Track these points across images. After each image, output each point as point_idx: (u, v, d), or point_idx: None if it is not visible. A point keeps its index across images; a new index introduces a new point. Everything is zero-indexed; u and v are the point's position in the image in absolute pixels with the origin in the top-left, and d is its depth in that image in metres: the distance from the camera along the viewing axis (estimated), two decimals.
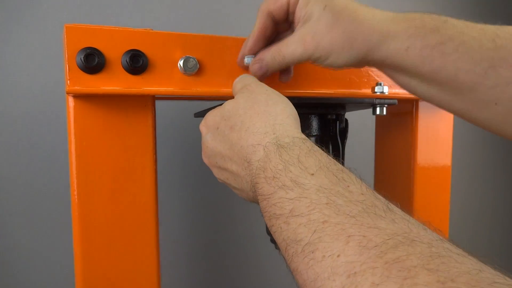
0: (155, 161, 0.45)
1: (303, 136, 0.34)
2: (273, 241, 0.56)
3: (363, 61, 0.39)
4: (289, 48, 0.40)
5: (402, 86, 0.42)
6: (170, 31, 0.42)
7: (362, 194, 0.26)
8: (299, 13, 0.40)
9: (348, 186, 0.26)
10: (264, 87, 0.39)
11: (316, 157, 0.29)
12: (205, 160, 0.41)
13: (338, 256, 0.22)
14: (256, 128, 0.34)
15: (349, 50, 0.38)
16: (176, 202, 0.86)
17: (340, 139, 0.57)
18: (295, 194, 0.27)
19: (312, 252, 0.23)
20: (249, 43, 0.44)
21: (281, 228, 0.27)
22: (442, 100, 0.39)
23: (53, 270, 0.76)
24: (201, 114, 0.56)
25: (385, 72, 0.42)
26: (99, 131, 0.42)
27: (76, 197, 0.42)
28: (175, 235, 0.87)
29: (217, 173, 0.40)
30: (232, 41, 0.45)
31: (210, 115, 0.40)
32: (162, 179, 0.69)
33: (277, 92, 0.39)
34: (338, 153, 0.57)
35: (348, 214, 0.24)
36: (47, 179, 0.75)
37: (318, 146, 0.32)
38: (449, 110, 0.41)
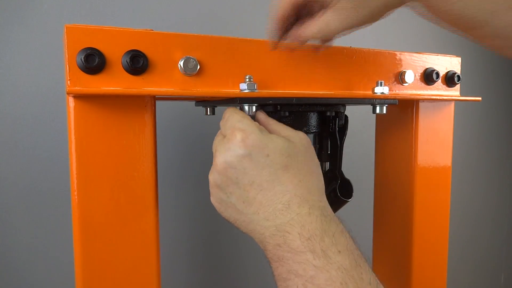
0: (155, 161, 0.45)
1: (335, 215, 0.37)
2: None
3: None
4: (325, 20, 0.39)
5: (447, 20, 0.40)
6: (170, 31, 0.42)
7: (370, 284, 0.31)
8: None
9: (362, 274, 0.31)
10: (312, 150, 0.41)
11: (346, 238, 0.34)
12: (220, 169, 0.40)
13: None
14: (311, 185, 0.37)
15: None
16: (176, 202, 0.86)
17: (339, 136, 0.57)
18: (321, 263, 0.31)
19: None
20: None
21: (297, 286, 0.32)
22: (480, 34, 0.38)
23: (53, 270, 0.76)
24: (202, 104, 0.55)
25: (424, 15, 0.41)
26: (99, 132, 0.42)
27: (76, 197, 0.42)
28: (175, 235, 0.87)
29: (224, 187, 0.40)
30: (233, 41, 0.45)
31: (262, 137, 0.37)
32: (162, 179, 0.69)
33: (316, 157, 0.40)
34: (336, 150, 0.57)
35: None
36: (47, 179, 0.75)
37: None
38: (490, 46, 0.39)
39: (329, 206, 0.38)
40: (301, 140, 0.40)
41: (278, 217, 0.35)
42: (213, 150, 0.41)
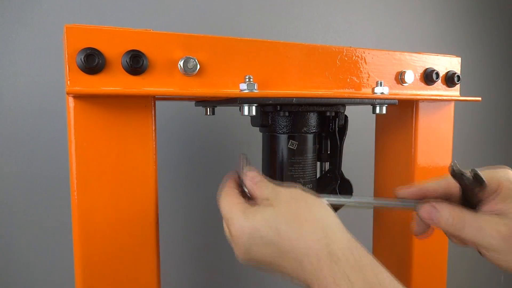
0: (155, 161, 0.45)
1: (348, 238, 0.36)
2: None
3: None
4: (475, 224, 0.40)
5: None
6: (170, 31, 0.42)
7: None
8: (492, 204, 0.41)
9: None
10: (301, 195, 0.40)
11: (363, 273, 0.33)
12: (244, 260, 0.41)
13: None
14: (310, 235, 0.36)
15: None
16: (176, 202, 0.86)
17: (339, 136, 0.57)
18: None
19: None
20: (433, 185, 0.45)
21: None
22: None
23: (53, 270, 0.76)
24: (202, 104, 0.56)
25: None
26: (99, 132, 0.42)
27: (76, 197, 0.42)
28: (175, 235, 0.87)
29: (259, 269, 0.41)
30: (232, 41, 0.45)
31: (248, 222, 0.38)
32: (162, 179, 0.69)
33: (314, 198, 0.40)
34: (336, 150, 0.57)
35: None
36: (47, 179, 0.74)
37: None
38: None
39: (338, 236, 0.36)
40: (284, 197, 0.39)
41: (304, 278, 0.36)
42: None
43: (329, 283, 0.33)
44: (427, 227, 0.47)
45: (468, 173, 0.40)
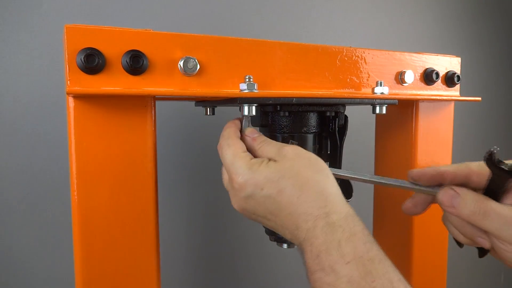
0: (155, 161, 0.45)
1: (347, 210, 0.37)
2: (269, 233, 0.57)
3: None
4: (501, 212, 0.37)
5: None
6: (170, 31, 0.42)
7: None
8: None
9: (373, 281, 0.31)
10: (304, 153, 0.40)
11: (354, 243, 0.33)
12: (239, 209, 0.41)
13: None
14: (310, 196, 0.36)
15: None
16: (176, 202, 0.86)
17: (339, 136, 0.57)
18: (331, 280, 0.32)
19: None
20: (452, 168, 0.42)
21: None
22: None
23: (53, 270, 0.76)
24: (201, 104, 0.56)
25: None
26: (99, 132, 0.42)
27: (76, 197, 0.42)
28: (175, 235, 0.87)
29: (252, 218, 0.42)
30: (232, 41, 0.45)
31: (252, 174, 0.38)
32: (162, 179, 0.69)
33: (316, 157, 0.40)
34: (336, 150, 0.57)
35: None
36: (47, 179, 0.75)
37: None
38: None
39: (336, 204, 0.37)
40: (290, 154, 0.39)
41: (296, 237, 0.37)
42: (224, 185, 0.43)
43: (321, 251, 0.34)
44: (423, 209, 0.45)
45: (506, 162, 0.38)
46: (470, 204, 0.38)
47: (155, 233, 0.46)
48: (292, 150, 0.40)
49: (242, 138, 0.45)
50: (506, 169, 0.37)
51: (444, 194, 0.40)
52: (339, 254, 0.33)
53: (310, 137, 0.55)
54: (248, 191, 0.38)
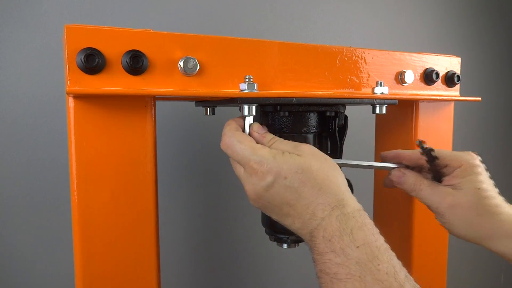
0: (155, 161, 0.45)
1: (359, 205, 0.41)
2: (269, 233, 0.57)
3: (478, 240, 0.48)
4: (430, 191, 0.50)
5: None
6: (170, 31, 0.42)
7: (387, 274, 0.35)
8: (452, 178, 0.49)
9: (379, 265, 0.35)
10: (319, 151, 0.44)
11: (365, 232, 0.38)
12: (255, 198, 0.43)
13: None
14: (329, 190, 0.40)
15: (474, 232, 0.47)
16: (176, 202, 0.86)
17: (339, 136, 0.57)
18: (341, 261, 0.36)
19: None
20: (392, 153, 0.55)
21: (327, 283, 0.37)
22: None
23: (53, 270, 0.76)
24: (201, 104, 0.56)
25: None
26: (99, 132, 0.42)
27: (76, 197, 0.42)
28: (175, 235, 0.87)
29: (263, 208, 0.44)
30: (232, 41, 0.45)
31: (276, 163, 0.41)
32: (162, 179, 0.69)
33: (327, 156, 0.44)
34: (336, 150, 0.57)
35: None
36: (47, 179, 0.75)
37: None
38: None
39: (350, 199, 0.41)
40: (308, 150, 0.43)
41: (308, 226, 0.40)
42: (238, 177, 0.45)
43: (334, 236, 0.37)
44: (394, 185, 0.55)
45: (432, 150, 0.49)
46: (410, 182, 0.51)
47: (155, 233, 0.46)
48: (308, 148, 0.43)
49: (250, 133, 0.46)
50: (429, 155, 0.49)
51: (394, 173, 0.53)
52: (350, 239, 0.36)
53: (310, 137, 0.55)
54: (270, 179, 0.41)
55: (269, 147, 0.44)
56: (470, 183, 0.47)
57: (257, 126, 0.47)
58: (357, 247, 0.36)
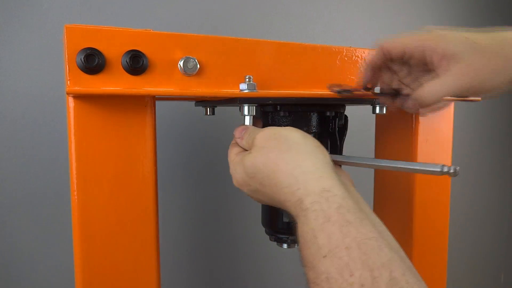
0: (155, 161, 0.45)
1: (321, 186, 0.34)
2: (269, 233, 0.57)
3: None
4: (446, 82, 0.41)
5: None
6: (170, 31, 0.42)
7: (362, 286, 0.28)
8: (441, 61, 0.42)
9: (351, 276, 0.27)
10: (272, 134, 0.40)
11: (328, 231, 0.31)
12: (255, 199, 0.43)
13: None
14: (282, 184, 0.36)
15: (505, 72, 0.41)
16: (176, 202, 0.86)
17: (339, 136, 0.57)
18: (313, 276, 0.30)
19: None
20: (367, 74, 0.47)
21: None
22: None
23: (53, 270, 0.76)
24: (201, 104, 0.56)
25: None
26: (99, 132, 0.42)
27: (76, 197, 0.42)
28: (175, 235, 0.87)
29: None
30: (232, 41, 0.45)
31: (236, 173, 0.42)
32: (162, 179, 0.69)
33: (286, 132, 0.40)
34: (336, 150, 0.57)
35: None
36: (47, 179, 0.75)
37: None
38: None
39: (309, 183, 0.35)
40: (258, 143, 0.41)
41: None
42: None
43: (302, 243, 0.32)
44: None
45: None
46: (411, 106, 0.45)
47: (155, 233, 0.46)
48: (260, 136, 0.41)
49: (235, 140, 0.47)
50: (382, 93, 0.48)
51: (408, 106, 0.46)
52: (316, 247, 0.30)
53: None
54: (244, 190, 0.43)
55: (243, 147, 0.44)
56: (455, 41, 0.41)
57: (237, 131, 0.46)
58: (324, 256, 0.30)
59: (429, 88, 0.42)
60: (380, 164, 0.45)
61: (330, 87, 0.47)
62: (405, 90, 0.48)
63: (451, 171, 0.37)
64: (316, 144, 0.40)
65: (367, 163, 0.45)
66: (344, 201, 0.33)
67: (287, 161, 0.37)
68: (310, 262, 0.31)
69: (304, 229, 0.32)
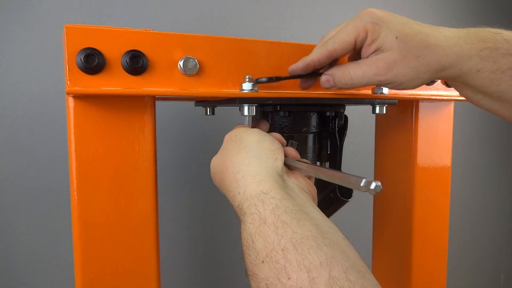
0: (155, 161, 0.45)
1: (258, 189, 0.34)
2: None
3: (432, 78, 0.42)
4: (359, 70, 0.41)
5: (465, 97, 0.47)
6: (170, 31, 0.42)
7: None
8: (368, 49, 0.41)
9: (289, 279, 0.26)
10: (233, 136, 0.41)
11: (264, 235, 0.30)
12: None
13: None
14: (229, 186, 0.38)
15: (423, 74, 0.41)
16: (176, 202, 0.86)
17: (339, 136, 0.57)
18: (255, 285, 0.29)
19: None
20: (316, 56, 0.44)
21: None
22: (503, 113, 0.44)
23: (53, 270, 0.76)
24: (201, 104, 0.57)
25: (451, 84, 0.45)
26: (99, 132, 0.42)
27: (76, 197, 0.42)
28: (175, 235, 0.87)
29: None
30: (232, 41, 0.45)
31: (211, 167, 0.44)
32: (162, 179, 0.69)
33: (242, 133, 0.41)
34: (336, 150, 0.57)
35: None
36: (47, 179, 0.75)
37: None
38: (507, 119, 0.45)
39: (247, 186, 0.35)
40: (223, 144, 0.43)
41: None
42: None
43: (244, 251, 0.32)
44: (310, 85, 0.49)
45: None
46: (339, 75, 0.44)
47: (155, 233, 0.46)
48: (226, 136, 0.43)
49: None
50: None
51: (323, 82, 0.45)
52: (255, 254, 0.30)
53: (310, 137, 0.55)
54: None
55: None
56: (386, 38, 0.40)
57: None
58: (262, 262, 0.28)
59: (343, 70, 0.43)
60: (317, 173, 0.40)
61: (257, 79, 0.45)
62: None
63: (371, 187, 0.34)
64: (271, 148, 0.39)
65: (309, 170, 0.40)
66: (281, 202, 0.32)
67: (234, 165, 0.37)
68: (250, 271, 0.30)
69: (244, 236, 0.31)
